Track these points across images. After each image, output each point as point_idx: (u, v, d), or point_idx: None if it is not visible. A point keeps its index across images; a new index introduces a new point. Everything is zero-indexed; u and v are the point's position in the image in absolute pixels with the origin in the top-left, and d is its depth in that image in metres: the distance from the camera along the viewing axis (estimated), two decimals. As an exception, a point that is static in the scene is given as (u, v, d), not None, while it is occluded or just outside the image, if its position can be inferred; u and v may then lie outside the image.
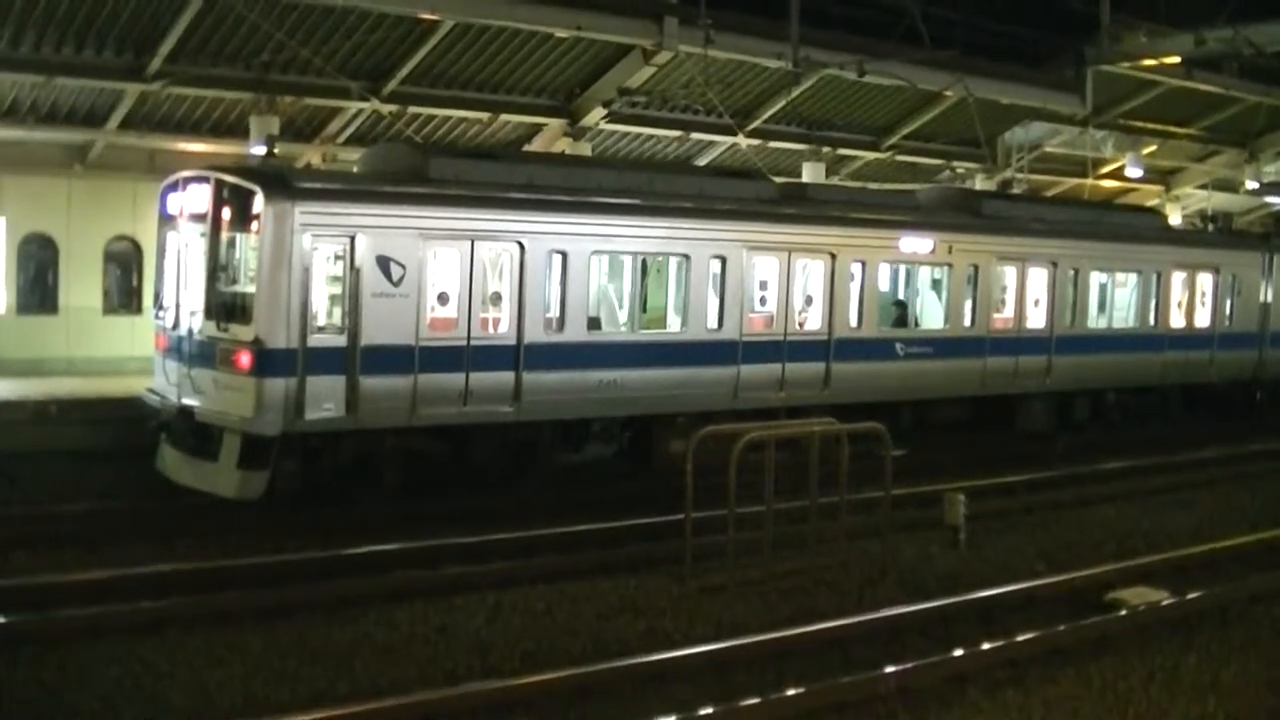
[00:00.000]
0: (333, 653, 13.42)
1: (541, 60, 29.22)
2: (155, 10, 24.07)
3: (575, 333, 21.20)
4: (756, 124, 33.84)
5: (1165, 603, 16.12)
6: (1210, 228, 37.34)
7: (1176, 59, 36.29)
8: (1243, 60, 36.41)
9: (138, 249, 28.03)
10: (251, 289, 18.82)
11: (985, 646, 14.11)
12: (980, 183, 39.19)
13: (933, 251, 26.02)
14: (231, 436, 18.69)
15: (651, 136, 33.43)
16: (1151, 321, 30.91)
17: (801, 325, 24.17)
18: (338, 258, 19.03)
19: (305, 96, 27.14)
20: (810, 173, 34.92)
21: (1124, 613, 15.71)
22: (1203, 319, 32.43)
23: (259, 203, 18.61)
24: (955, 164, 39.63)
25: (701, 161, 34.49)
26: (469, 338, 20.01)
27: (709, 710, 11.71)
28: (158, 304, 21.11)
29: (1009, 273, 27.65)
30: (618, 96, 30.18)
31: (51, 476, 20.83)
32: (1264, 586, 17.19)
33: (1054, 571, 17.74)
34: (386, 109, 27.90)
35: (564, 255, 20.97)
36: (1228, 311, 33.10)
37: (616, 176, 22.70)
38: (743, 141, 33.70)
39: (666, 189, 22.91)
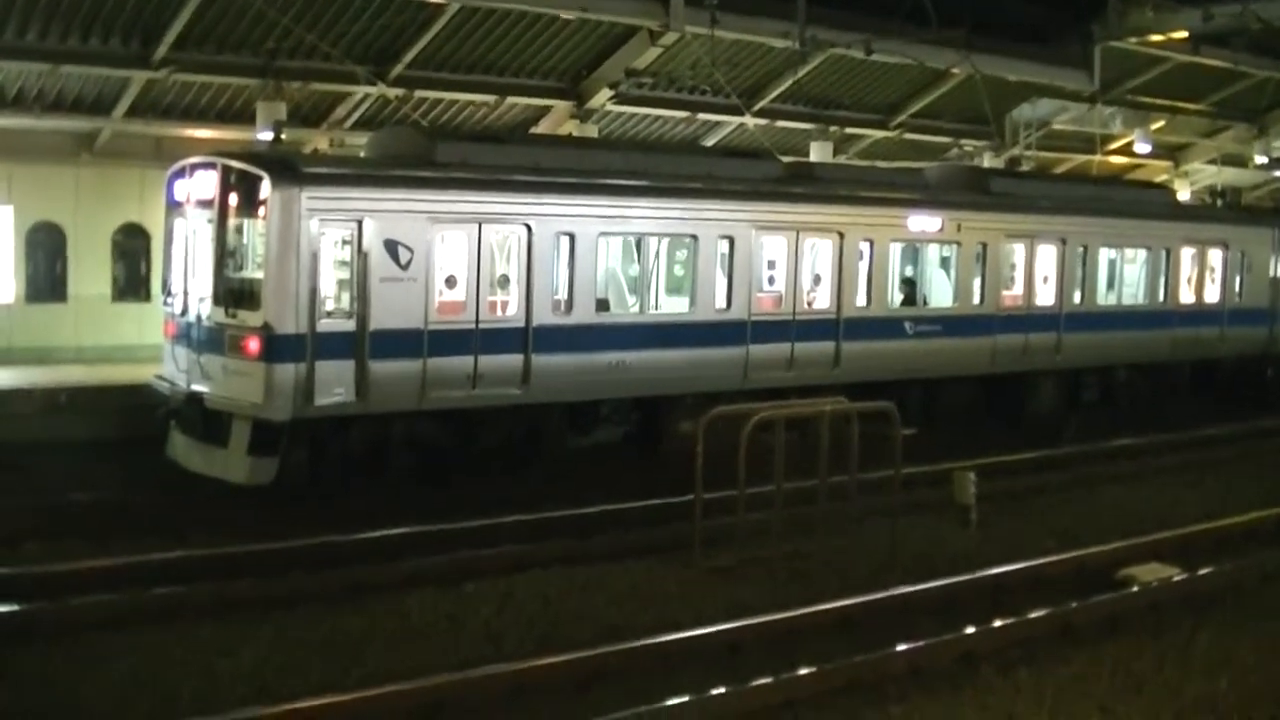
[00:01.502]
0: (343, 640, 13.45)
1: (548, 43, 29.16)
2: (160, -3, 24.08)
3: (584, 315, 21.20)
4: (763, 104, 33.73)
5: (1177, 579, 16.10)
6: (1219, 203, 37.24)
7: (1184, 34, 36.12)
8: (1251, 35, 36.22)
9: (146, 236, 28.03)
10: (259, 274, 18.82)
11: (996, 625, 14.10)
12: (988, 160, 39.06)
13: (941, 230, 25.96)
14: (241, 422, 18.71)
15: (658, 118, 33.35)
16: (1161, 298, 30.82)
17: (810, 305, 24.15)
18: (345, 242, 19.02)
19: (312, 82, 27.08)
20: (818, 152, 34.88)
21: (1135, 589, 15.69)
22: (1212, 295, 32.35)
23: (266, 188, 18.60)
24: (963, 142, 39.50)
25: (709, 142, 34.38)
26: (477, 321, 19.99)
27: (720, 691, 11.72)
28: (166, 291, 21.13)
29: (1018, 250, 27.59)
30: (624, 78, 30.11)
31: (61, 465, 20.80)
32: (1276, 564, 17.15)
33: (1064, 549, 17.71)
34: (393, 93, 27.86)
35: (571, 237, 20.95)
36: (1238, 287, 33.00)
37: (624, 158, 22.68)
38: (750, 121, 33.60)
39: (674, 170, 22.88)
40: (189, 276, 20.28)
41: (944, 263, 26.96)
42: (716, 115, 33.47)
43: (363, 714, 11.28)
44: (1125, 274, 30.55)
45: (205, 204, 19.87)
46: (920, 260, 26.64)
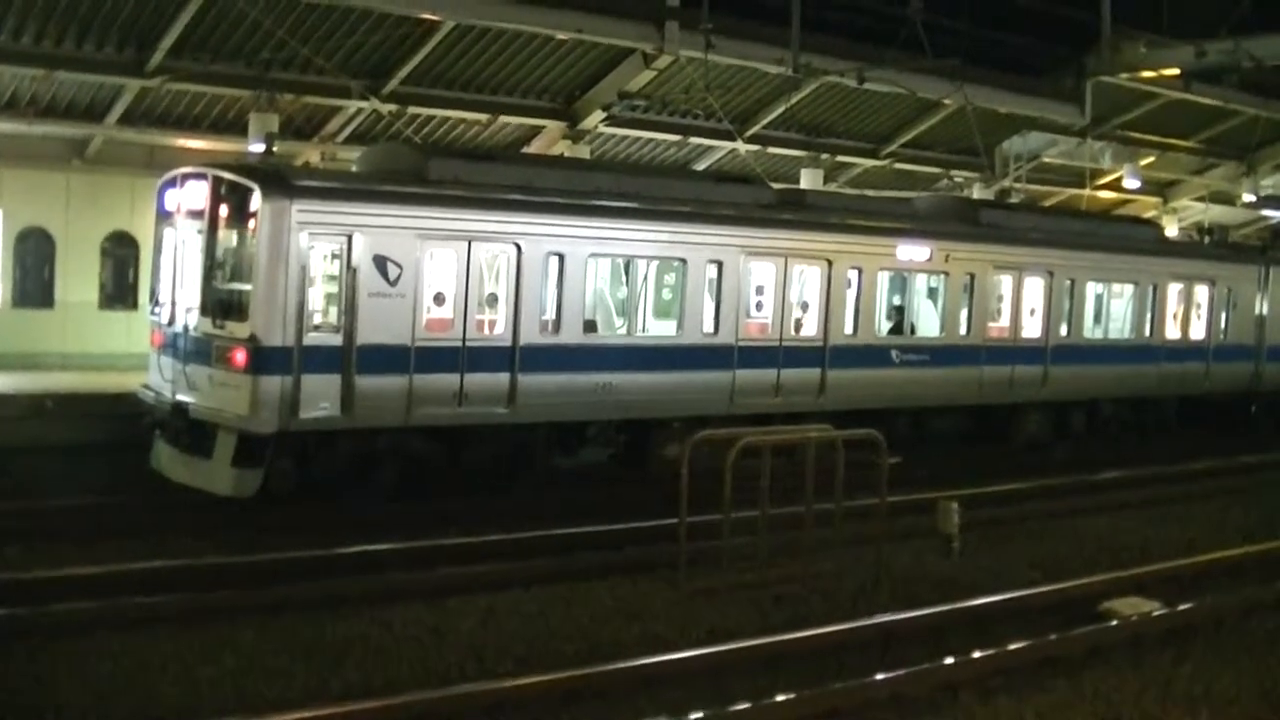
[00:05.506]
0: (326, 651, 13.40)
1: (542, 62, 29.24)
2: (157, 6, 24.07)
3: (571, 335, 21.19)
4: (755, 130, 33.86)
5: (1157, 614, 16.11)
6: (1207, 240, 37.39)
7: (1176, 71, 36.30)
8: (1242, 73, 36.42)
9: (135, 244, 27.99)
10: (248, 286, 18.79)
11: (977, 655, 14.08)
12: (978, 192, 39.21)
13: (929, 259, 26.02)
14: (226, 434, 18.66)
15: (650, 140, 33.45)
16: (1147, 333, 30.92)
17: (797, 331, 24.17)
18: (335, 256, 19.01)
19: (305, 95, 27.15)
20: (808, 179, 34.95)
21: (1115, 623, 15.71)
22: (1198, 331, 32.48)
23: (256, 200, 18.59)
24: (953, 172, 39.65)
25: (700, 166, 34.48)
26: (464, 339, 19.99)
27: (700, 714, 11.69)
28: (154, 300, 21.10)
29: (1005, 282, 27.67)
30: (617, 100, 30.20)
31: (46, 471, 20.76)
32: (1257, 599, 17.17)
33: (1047, 581, 17.72)
34: (386, 109, 27.89)
35: (561, 257, 20.96)
36: (1223, 324, 33.15)
37: (615, 180, 22.68)
38: (741, 147, 33.70)
39: (664, 193, 22.90)
40: (177, 286, 20.25)
41: (932, 293, 27.04)
42: (708, 140, 33.60)
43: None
44: (1112, 308, 30.65)
45: (195, 214, 19.86)
46: (908, 289, 26.65)
